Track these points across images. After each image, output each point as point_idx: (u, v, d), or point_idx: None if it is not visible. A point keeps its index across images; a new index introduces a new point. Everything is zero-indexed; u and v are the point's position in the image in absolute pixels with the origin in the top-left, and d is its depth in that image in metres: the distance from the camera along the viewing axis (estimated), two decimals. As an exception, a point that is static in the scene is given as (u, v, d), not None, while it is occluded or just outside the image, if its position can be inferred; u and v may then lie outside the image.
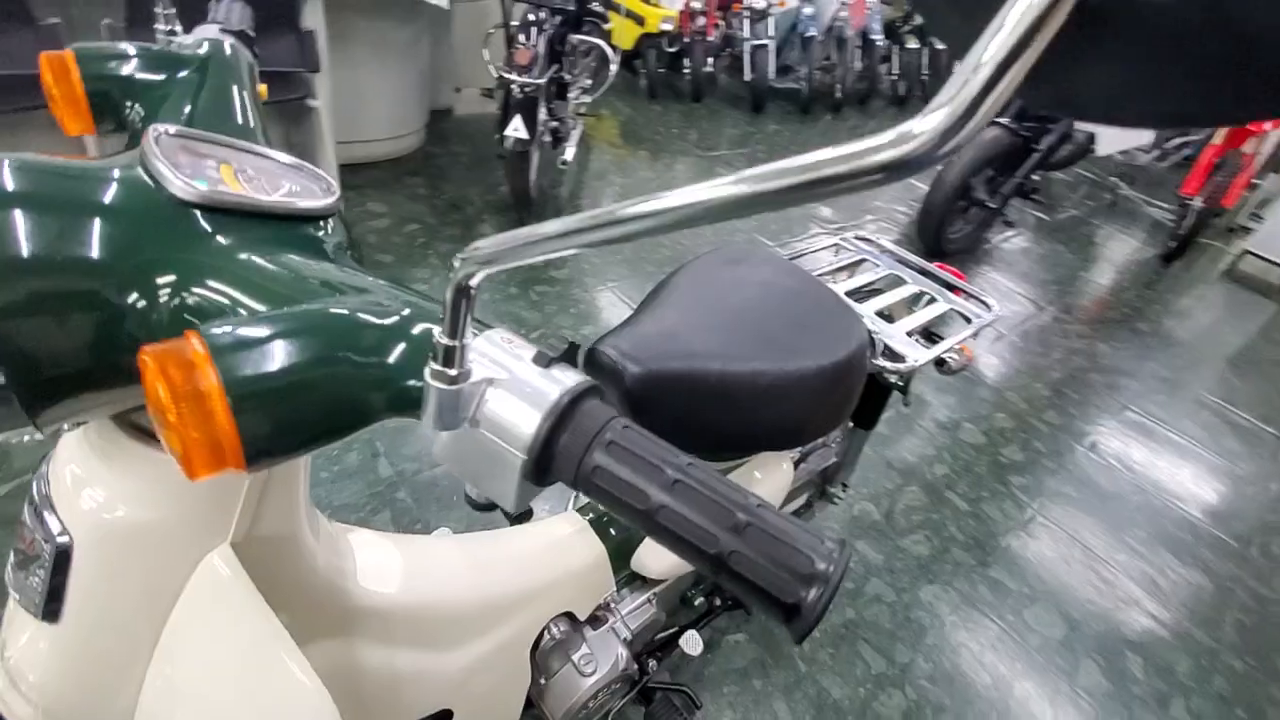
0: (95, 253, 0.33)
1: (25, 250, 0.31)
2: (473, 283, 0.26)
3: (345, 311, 0.30)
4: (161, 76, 0.49)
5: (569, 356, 0.30)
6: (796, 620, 0.25)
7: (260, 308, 0.33)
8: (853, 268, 1.26)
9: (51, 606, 0.43)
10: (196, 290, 0.34)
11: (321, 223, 0.41)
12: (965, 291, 1.21)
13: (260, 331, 0.27)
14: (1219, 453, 2.35)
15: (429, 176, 3.03)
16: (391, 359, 0.30)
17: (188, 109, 0.49)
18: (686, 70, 4.75)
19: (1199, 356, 2.97)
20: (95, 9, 1.85)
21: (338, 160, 2.49)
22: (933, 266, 1.25)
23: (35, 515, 0.43)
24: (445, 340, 0.27)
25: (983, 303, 1.18)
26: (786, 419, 0.84)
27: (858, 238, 1.32)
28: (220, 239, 0.35)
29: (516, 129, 2.26)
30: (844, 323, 0.91)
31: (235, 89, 0.51)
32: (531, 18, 2.37)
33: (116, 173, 0.35)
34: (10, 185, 0.32)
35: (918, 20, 5.74)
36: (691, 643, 1.05)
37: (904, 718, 1.34)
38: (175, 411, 0.25)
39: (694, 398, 0.78)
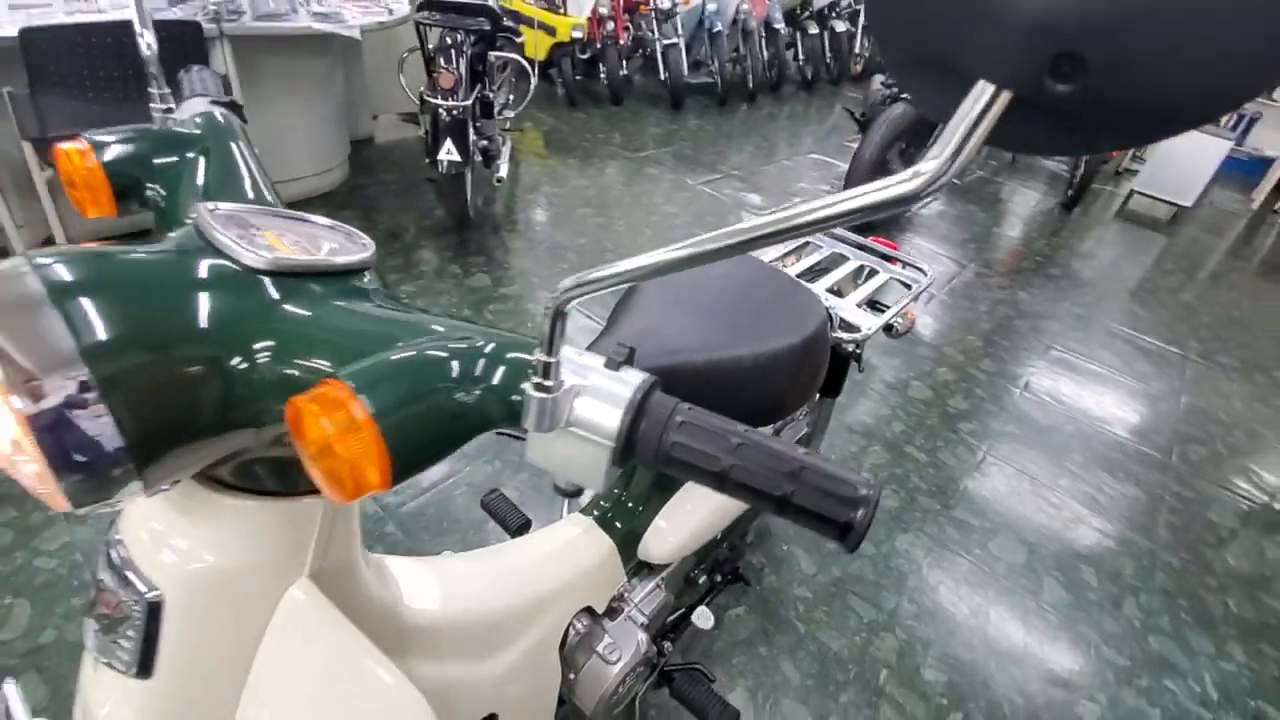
0: (192, 324, 0.37)
1: (132, 330, 0.35)
2: (566, 309, 0.32)
3: (446, 345, 0.35)
4: (174, 156, 0.52)
5: (630, 359, 0.36)
6: (850, 535, 0.32)
7: (340, 356, 0.38)
8: (798, 251, 1.36)
9: (144, 663, 0.46)
10: (283, 347, 0.38)
11: (364, 273, 0.46)
12: (900, 260, 1.32)
13: (386, 370, 0.33)
14: (1134, 376, 2.59)
15: (360, 208, 3.00)
16: (496, 380, 0.35)
17: (202, 182, 0.53)
18: (602, 75, 4.83)
19: (1105, 292, 3.25)
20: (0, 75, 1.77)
21: (268, 203, 2.44)
22: (868, 241, 1.36)
23: (118, 579, 0.46)
24: (544, 357, 0.33)
25: (918, 269, 1.30)
26: (769, 396, 0.92)
27: None
28: (291, 298, 0.40)
29: (450, 152, 2.28)
30: (803, 302, 1.00)
31: (240, 158, 0.55)
32: (449, 40, 2.39)
33: (188, 252, 0.39)
34: (102, 274, 0.35)
35: (815, 6, 5.99)
36: (703, 617, 1.12)
37: (898, 657, 1.45)
38: (342, 443, 0.30)
39: (684, 389, 0.85)
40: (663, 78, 4.89)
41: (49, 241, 2.12)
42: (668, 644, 1.15)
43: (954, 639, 1.51)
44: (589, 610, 0.95)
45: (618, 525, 1.01)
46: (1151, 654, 1.54)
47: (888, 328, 1.20)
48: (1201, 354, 2.83)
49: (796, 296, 1.02)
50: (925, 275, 1.28)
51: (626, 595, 1.02)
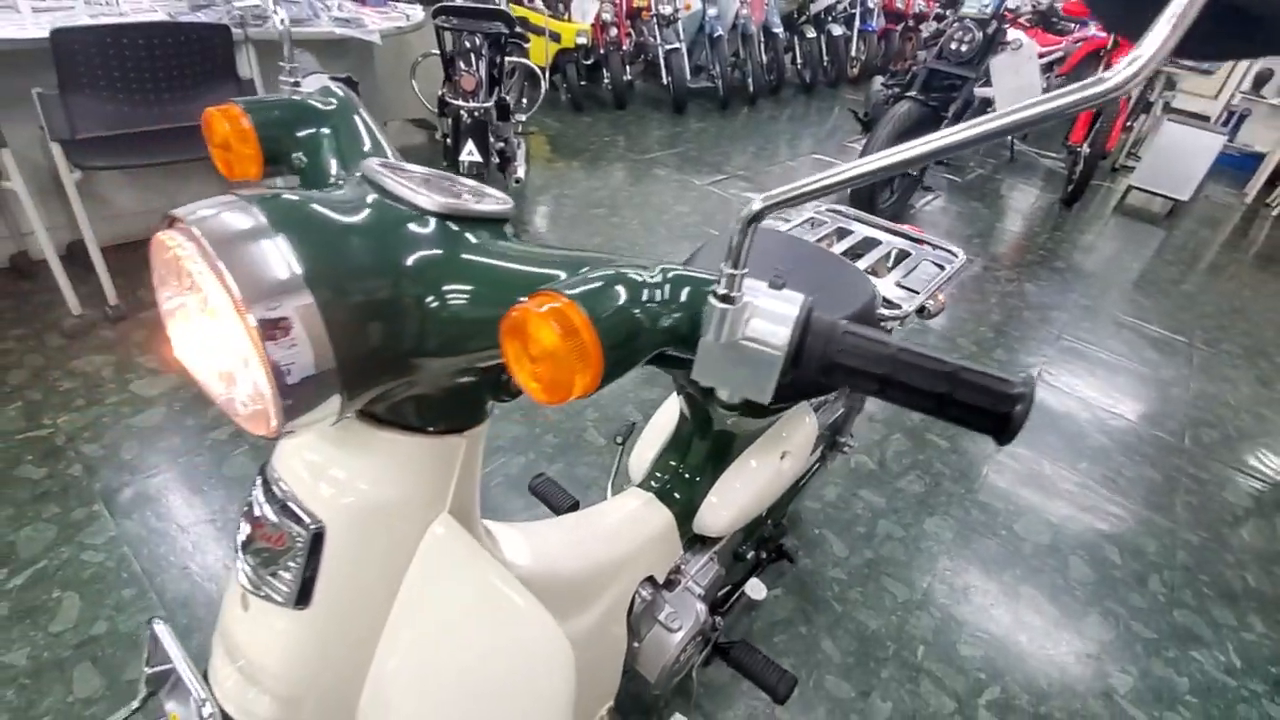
0: (391, 258, 0.40)
1: (345, 261, 0.38)
2: (755, 223, 0.35)
3: (634, 269, 0.38)
4: (313, 125, 0.55)
5: (784, 283, 0.40)
6: (1008, 429, 0.35)
7: (521, 286, 0.40)
8: (833, 236, 1.39)
9: (303, 593, 0.48)
10: (467, 279, 0.41)
11: (507, 223, 0.49)
12: (930, 244, 1.36)
13: (596, 285, 0.36)
14: (1143, 363, 2.63)
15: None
16: (681, 298, 0.38)
17: (338, 147, 0.55)
18: (606, 80, 4.87)
19: (1109, 283, 3.31)
20: (22, 78, 1.79)
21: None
22: (898, 227, 1.40)
23: (281, 512, 0.48)
24: (731, 270, 0.36)
25: (950, 252, 1.34)
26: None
27: (829, 209, 1.46)
28: (464, 238, 0.43)
29: (471, 153, 2.32)
30: (855, 278, 1.03)
31: (364, 126, 0.58)
32: (468, 44, 2.42)
33: (368, 200, 0.42)
34: (313, 212, 0.38)
35: (812, 11, 6.07)
36: (755, 588, 1.15)
37: (934, 634, 1.48)
38: (565, 345, 0.33)
39: None
40: (665, 82, 4.95)
41: (78, 244, 2.14)
42: (718, 619, 1.18)
43: (987, 616, 1.54)
44: (651, 580, 0.97)
45: (676, 497, 1.03)
46: (1177, 627, 1.58)
47: (920, 309, 1.24)
48: (1206, 341, 2.88)
49: (846, 274, 1.05)
50: (957, 257, 1.32)
51: (683, 567, 1.05)
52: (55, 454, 1.60)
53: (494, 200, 0.48)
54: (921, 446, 2.03)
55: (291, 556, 0.48)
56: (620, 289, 0.37)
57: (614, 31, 4.70)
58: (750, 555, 1.22)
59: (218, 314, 0.36)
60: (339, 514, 0.47)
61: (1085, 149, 4.06)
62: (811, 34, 6.05)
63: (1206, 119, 4.76)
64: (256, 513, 0.50)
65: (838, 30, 6.28)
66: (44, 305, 2.09)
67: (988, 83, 3.20)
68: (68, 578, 1.35)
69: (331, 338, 0.36)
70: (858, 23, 6.49)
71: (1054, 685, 1.41)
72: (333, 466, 0.48)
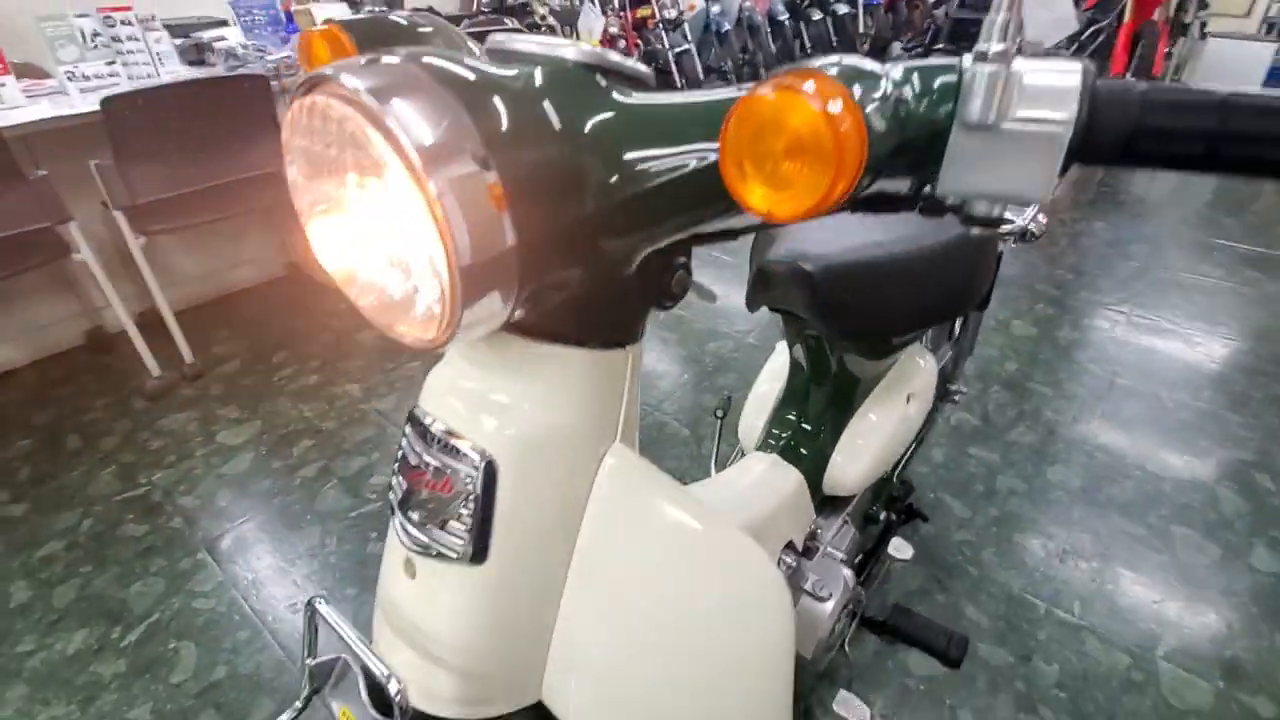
0: (565, 119, 0.34)
1: (522, 122, 0.32)
2: None
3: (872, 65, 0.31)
4: (414, 44, 0.51)
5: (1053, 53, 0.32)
6: None
7: (701, 127, 0.34)
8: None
9: (479, 544, 0.43)
10: (645, 130, 0.35)
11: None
12: None
13: (842, 67, 0.29)
14: (1244, 282, 2.44)
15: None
16: (935, 84, 0.31)
17: None
18: (619, 91, 4.89)
19: (1185, 209, 3.11)
20: (82, 152, 1.85)
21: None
22: None
23: (444, 452, 0.43)
24: (1004, 13, 0.28)
25: None
26: (954, 284, 0.87)
27: None
28: (623, 89, 0.37)
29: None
30: None
31: (467, 50, 0.54)
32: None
33: (513, 65, 0.36)
34: (478, 75, 0.33)
35: (813, -7, 6.01)
36: (899, 548, 1.05)
37: (1088, 589, 1.35)
38: (829, 131, 0.26)
39: (875, 279, 0.80)
40: (679, 85, 4.93)
41: (148, 313, 2.19)
42: (861, 589, 1.09)
43: (1143, 562, 1.40)
44: (790, 546, 0.90)
45: (802, 453, 0.96)
46: (1363, 550, 1.41)
47: (1022, 234, 1.14)
48: (1308, 253, 2.67)
49: None
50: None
51: (819, 533, 0.97)
52: (154, 510, 1.60)
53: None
54: (1024, 396, 1.90)
55: (463, 501, 0.42)
56: (871, 68, 0.30)
57: (622, 44, 4.72)
58: (882, 517, 1.13)
59: (385, 188, 0.31)
60: (509, 445, 0.42)
61: (1129, 78, 3.86)
62: (817, 16, 5.98)
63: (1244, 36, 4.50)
64: (413, 462, 0.44)
65: (843, 9, 6.19)
66: (124, 374, 2.13)
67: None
68: (181, 628, 1.33)
69: (512, 211, 0.31)
70: (860, 1, 6.40)
71: (1235, 627, 1.27)
72: (494, 392, 0.42)
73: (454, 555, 0.43)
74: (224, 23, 2.61)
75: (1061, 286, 2.46)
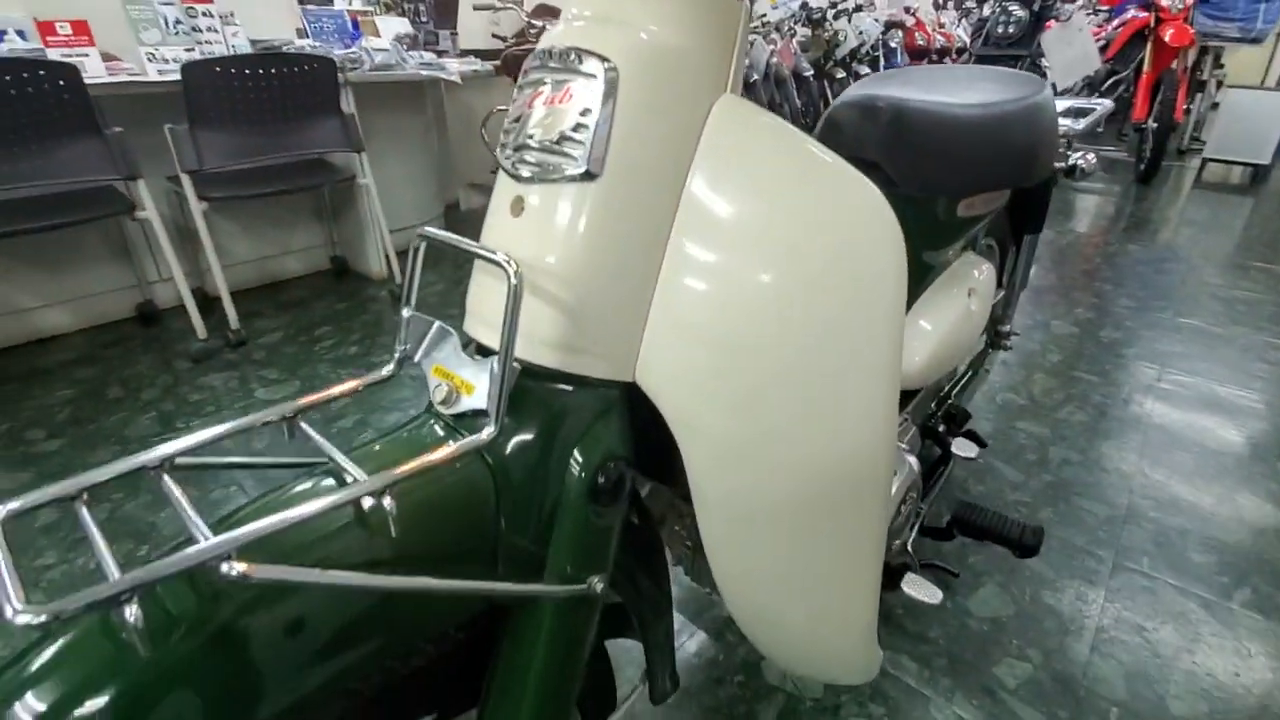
0: None
1: None
2: None
3: None
4: None
5: None
6: None
7: None
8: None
9: (596, 155, 0.42)
10: None
11: None
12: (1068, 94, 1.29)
13: None
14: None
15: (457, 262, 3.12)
16: None
17: None
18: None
19: (1217, 237, 3.11)
20: (157, 114, 1.95)
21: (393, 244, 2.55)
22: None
23: (567, 66, 0.44)
24: None
25: (1091, 105, 1.27)
26: (1023, 147, 0.87)
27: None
28: None
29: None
30: (1028, 78, 0.97)
31: None
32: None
33: None
34: None
35: (838, 56, 6.31)
36: (964, 447, 1.02)
37: (1155, 545, 1.28)
38: None
39: (944, 128, 0.81)
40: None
41: (199, 291, 2.24)
42: (924, 505, 1.04)
43: (1210, 524, 1.33)
44: None
45: None
46: None
47: (1071, 170, 1.16)
48: (1349, 275, 2.64)
49: (1018, 75, 0.99)
50: (1101, 103, 1.25)
51: None
52: (191, 447, 1.60)
53: None
54: (1070, 383, 1.86)
55: (581, 113, 0.43)
56: None
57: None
58: (942, 429, 1.09)
59: None
60: (630, 55, 0.43)
61: (1152, 124, 3.97)
62: (841, 75, 6.25)
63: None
64: (531, 77, 0.45)
65: (865, 70, 6.48)
66: (170, 340, 2.17)
67: (1036, 60, 3.20)
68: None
69: None
70: (883, 63, 6.70)
71: (1320, 587, 1.19)
72: (620, 11, 0.44)
73: (569, 172, 0.43)
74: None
75: (1101, 296, 2.45)
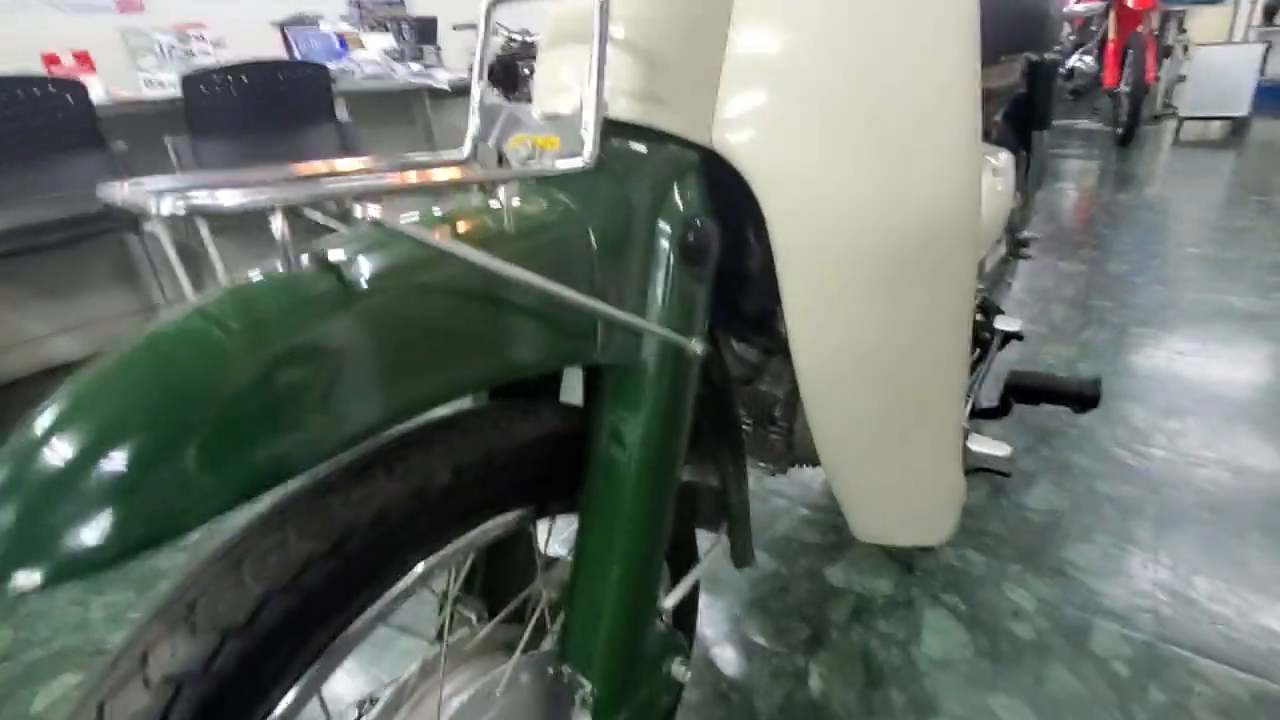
0: None
1: None
2: None
3: None
4: None
5: None
6: None
7: None
8: None
9: None
10: None
11: None
12: None
13: None
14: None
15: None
16: None
17: None
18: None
19: (1210, 180, 3.15)
20: (156, 131, 1.97)
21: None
22: None
23: None
24: None
25: None
26: (1034, 5, 0.88)
27: None
28: None
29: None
30: None
31: None
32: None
33: None
34: None
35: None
36: (1007, 322, 1.00)
37: (1207, 442, 1.26)
38: None
39: None
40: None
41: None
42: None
43: (1262, 405, 1.32)
44: None
45: None
46: None
47: (1069, 73, 1.17)
48: (1342, 200, 2.67)
49: None
50: None
51: None
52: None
53: None
54: (1086, 310, 1.86)
55: None
56: None
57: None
58: (980, 318, 1.08)
59: None
60: None
61: (1125, 87, 4.05)
62: None
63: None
64: None
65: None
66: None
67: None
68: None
69: None
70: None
71: (1377, 456, 1.17)
72: None
73: None
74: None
75: (1100, 237, 2.46)
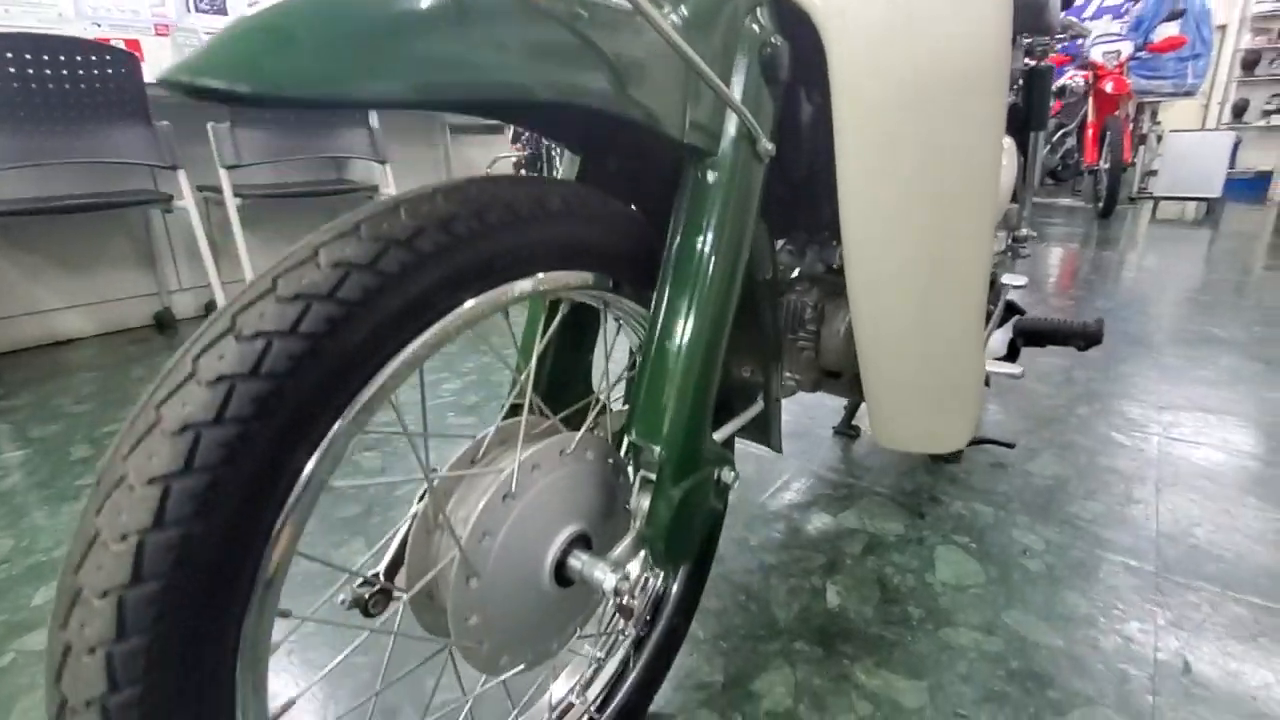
0: None
1: None
2: None
3: None
4: None
5: None
6: None
7: None
8: None
9: None
10: None
11: None
12: None
13: None
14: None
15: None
16: None
17: None
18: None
19: (1186, 247, 3.33)
20: (202, 114, 2.07)
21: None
22: None
23: None
24: None
25: None
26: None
27: None
28: None
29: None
30: None
31: None
32: (555, 150, 2.76)
33: None
34: None
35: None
36: (1013, 278, 1.06)
37: (1195, 420, 1.31)
38: None
39: None
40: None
41: (212, 305, 2.27)
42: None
43: (1233, 421, 1.37)
44: None
45: None
46: None
47: (1060, 90, 1.29)
48: (1312, 264, 2.83)
49: None
50: None
51: None
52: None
53: None
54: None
55: None
56: None
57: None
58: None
59: None
60: None
61: (1105, 164, 4.32)
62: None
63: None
64: None
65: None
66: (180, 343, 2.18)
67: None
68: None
69: None
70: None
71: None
72: None
73: None
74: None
75: (1086, 282, 2.58)
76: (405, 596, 0.44)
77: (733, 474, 0.55)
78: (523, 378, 0.51)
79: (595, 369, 0.60)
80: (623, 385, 0.62)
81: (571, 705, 0.63)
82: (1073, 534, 0.97)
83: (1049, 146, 5.27)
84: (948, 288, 0.63)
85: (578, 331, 0.58)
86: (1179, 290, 2.41)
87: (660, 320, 0.50)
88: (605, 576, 0.46)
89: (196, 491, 0.29)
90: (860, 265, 0.60)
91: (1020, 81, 1.24)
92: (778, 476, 1.15)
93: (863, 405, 1.33)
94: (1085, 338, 0.98)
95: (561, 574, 0.49)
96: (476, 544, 0.43)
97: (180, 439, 0.29)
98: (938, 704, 0.70)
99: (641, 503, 0.50)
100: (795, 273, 0.80)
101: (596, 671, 0.66)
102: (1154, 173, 4.95)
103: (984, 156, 0.59)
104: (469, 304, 0.39)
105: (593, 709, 0.64)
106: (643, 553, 0.50)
